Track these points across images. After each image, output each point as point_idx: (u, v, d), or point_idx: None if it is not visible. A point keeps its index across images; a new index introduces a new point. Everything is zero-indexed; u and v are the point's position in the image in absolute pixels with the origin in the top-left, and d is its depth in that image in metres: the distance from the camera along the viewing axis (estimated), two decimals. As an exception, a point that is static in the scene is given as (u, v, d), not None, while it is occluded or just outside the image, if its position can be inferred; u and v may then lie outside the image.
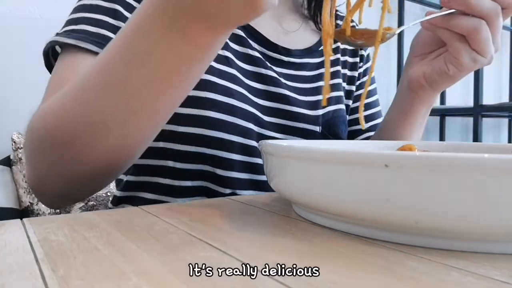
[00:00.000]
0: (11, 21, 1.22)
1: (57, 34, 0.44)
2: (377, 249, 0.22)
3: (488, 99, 2.32)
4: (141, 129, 0.34)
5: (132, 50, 0.31)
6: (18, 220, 0.28)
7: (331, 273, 0.19)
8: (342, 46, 0.63)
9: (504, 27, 2.70)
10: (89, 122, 0.33)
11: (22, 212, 1.22)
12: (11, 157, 1.28)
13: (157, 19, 0.29)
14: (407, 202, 0.21)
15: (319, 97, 0.57)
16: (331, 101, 0.58)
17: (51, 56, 0.47)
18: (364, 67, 0.67)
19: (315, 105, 0.56)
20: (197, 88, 0.46)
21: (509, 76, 2.72)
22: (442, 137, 2.41)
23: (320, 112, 0.56)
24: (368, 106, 0.66)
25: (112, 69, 0.32)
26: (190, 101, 0.46)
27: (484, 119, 2.29)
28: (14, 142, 1.24)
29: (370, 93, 0.68)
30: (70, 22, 0.45)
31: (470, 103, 2.21)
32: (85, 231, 0.25)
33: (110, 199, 1.15)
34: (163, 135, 0.47)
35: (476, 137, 2.15)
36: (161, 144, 0.48)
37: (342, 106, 0.60)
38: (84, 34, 0.42)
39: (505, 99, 2.77)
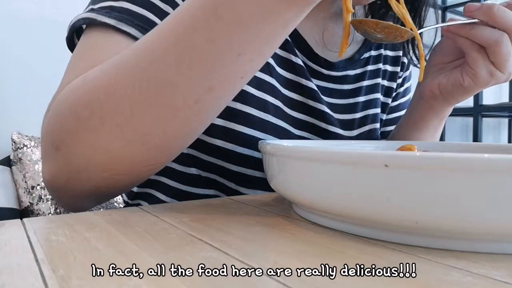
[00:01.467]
0: (12, 21, 1.22)
1: (92, 10, 0.38)
2: (377, 249, 0.22)
3: (488, 99, 2.32)
4: (210, 110, 0.31)
5: (219, 19, 0.27)
6: (18, 220, 0.28)
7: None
8: (383, 53, 0.58)
9: (504, 27, 2.70)
10: (152, 103, 0.29)
11: (22, 212, 1.23)
12: (11, 157, 1.28)
13: None
14: (407, 202, 0.21)
15: (355, 115, 0.54)
16: (367, 119, 0.55)
17: (75, 36, 0.41)
18: (403, 75, 0.62)
19: (350, 125, 0.53)
20: (233, 98, 0.44)
21: (509, 76, 2.72)
22: (442, 137, 2.42)
23: (355, 132, 0.54)
24: (397, 120, 0.62)
25: (191, 38, 0.28)
26: (223, 112, 0.42)
27: (484, 119, 2.29)
28: (14, 142, 1.24)
29: (404, 105, 0.63)
30: None
31: (470, 103, 2.21)
32: (85, 231, 0.25)
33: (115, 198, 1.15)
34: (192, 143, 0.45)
35: (476, 137, 2.16)
36: (185, 151, 0.46)
37: (377, 125, 0.56)
38: (125, 14, 0.37)
39: (505, 99, 2.77)
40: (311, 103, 0.50)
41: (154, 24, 0.37)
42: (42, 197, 1.25)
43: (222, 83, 0.29)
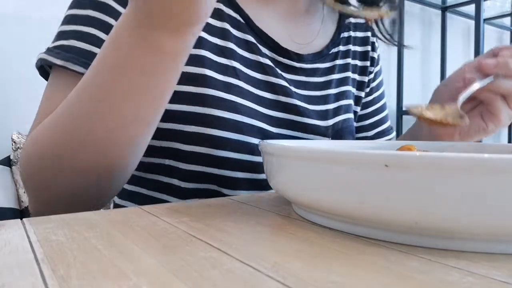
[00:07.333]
0: (11, 21, 1.22)
1: (48, 50, 0.42)
2: (377, 249, 0.22)
3: (488, 99, 2.31)
4: (119, 145, 0.35)
5: (106, 66, 0.32)
6: (18, 220, 0.28)
7: (331, 273, 0.19)
8: (352, 48, 0.61)
9: (504, 27, 2.70)
10: (73, 143, 0.35)
11: (22, 212, 1.23)
12: (11, 157, 1.28)
13: (126, 32, 0.31)
14: (407, 202, 0.21)
15: (328, 106, 0.56)
16: (340, 110, 0.57)
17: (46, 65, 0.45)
18: (374, 70, 0.64)
19: (324, 115, 0.55)
20: (202, 104, 0.45)
21: (509, 76, 2.72)
22: (442, 137, 2.41)
23: (330, 122, 0.55)
24: (375, 112, 0.65)
25: (88, 89, 0.33)
26: (195, 119, 0.45)
27: (484, 119, 2.28)
28: (14, 142, 1.24)
29: (379, 98, 0.66)
30: (60, 35, 0.43)
31: (470, 103, 2.21)
32: (85, 231, 0.25)
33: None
34: (169, 154, 0.47)
35: (476, 137, 2.15)
36: (166, 162, 0.47)
37: (351, 115, 0.59)
38: (72, 53, 0.41)
39: (505, 99, 2.77)
40: (284, 99, 0.51)
41: None
42: (42, 197, 1.24)
43: (121, 125, 0.34)
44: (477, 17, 1.90)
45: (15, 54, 1.22)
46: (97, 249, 0.22)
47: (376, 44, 0.65)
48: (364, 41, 0.63)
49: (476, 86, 0.45)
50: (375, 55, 0.64)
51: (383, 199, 0.21)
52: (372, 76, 0.64)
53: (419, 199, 0.20)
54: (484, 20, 2.10)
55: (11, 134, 1.24)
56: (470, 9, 2.14)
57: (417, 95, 2.33)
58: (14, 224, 0.27)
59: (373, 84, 0.65)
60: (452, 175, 0.20)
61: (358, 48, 0.62)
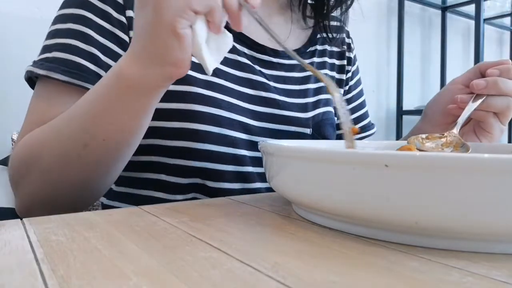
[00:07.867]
0: (11, 21, 1.22)
1: (34, 62, 0.45)
2: (377, 249, 0.22)
3: (488, 99, 2.31)
4: (95, 159, 0.38)
5: (94, 90, 0.37)
6: (18, 220, 0.28)
7: (331, 273, 0.19)
8: (329, 48, 0.64)
9: (504, 27, 2.70)
10: (56, 155, 0.39)
11: (22, 212, 1.22)
12: (11, 157, 1.28)
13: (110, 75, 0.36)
14: (407, 202, 0.21)
15: (308, 100, 0.58)
16: (320, 103, 0.59)
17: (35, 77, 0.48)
18: (351, 69, 0.67)
19: (304, 107, 0.57)
20: (184, 101, 0.47)
21: (509, 76, 2.71)
22: (442, 137, 2.40)
23: (310, 114, 0.57)
24: (355, 109, 0.67)
25: (76, 109, 0.38)
26: (177, 114, 0.47)
27: (484, 119, 2.28)
28: (14, 142, 1.23)
29: (358, 95, 0.69)
30: (44, 49, 0.46)
31: (470, 103, 2.20)
32: (85, 231, 0.25)
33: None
34: (155, 149, 0.48)
35: (476, 137, 2.14)
36: (154, 158, 0.49)
37: (331, 109, 0.61)
38: (55, 63, 0.44)
39: (505, 99, 2.76)
40: (263, 94, 0.54)
41: (79, 65, 0.44)
42: (42, 197, 1.24)
43: (96, 140, 0.38)
44: (477, 17, 1.90)
45: (15, 54, 1.22)
46: (97, 249, 0.22)
47: (352, 46, 0.68)
48: (340, 43, 0.67)
49: (471, 107, 0.46)
50: (351, 55, 0.67)
51: (383, 199, 0.21)
52: (350, 75, 0.67)
53: (419, 199, 0.20)
54: (484, 20, 2.10)
55: (11, 134, 1.24)
56: (470, 9, 2.14)
57: (417, 95, 2.33)
58: (14, 224, 0.27)
59: (351, 83, 0.68)
60: (452, 175, 0.20)
61: (335, 49, 0.66)
